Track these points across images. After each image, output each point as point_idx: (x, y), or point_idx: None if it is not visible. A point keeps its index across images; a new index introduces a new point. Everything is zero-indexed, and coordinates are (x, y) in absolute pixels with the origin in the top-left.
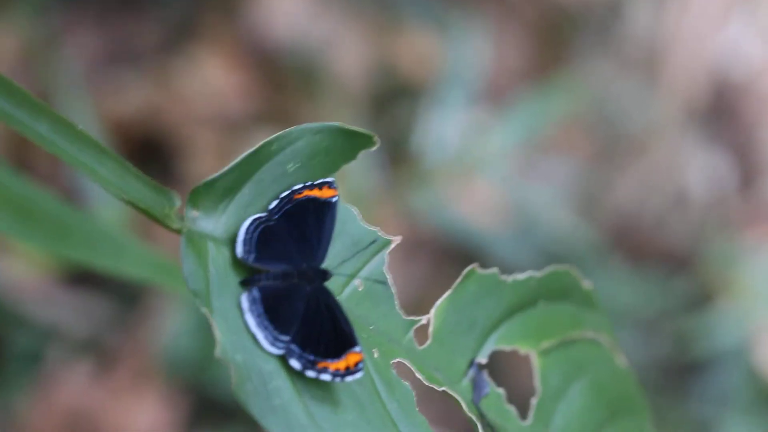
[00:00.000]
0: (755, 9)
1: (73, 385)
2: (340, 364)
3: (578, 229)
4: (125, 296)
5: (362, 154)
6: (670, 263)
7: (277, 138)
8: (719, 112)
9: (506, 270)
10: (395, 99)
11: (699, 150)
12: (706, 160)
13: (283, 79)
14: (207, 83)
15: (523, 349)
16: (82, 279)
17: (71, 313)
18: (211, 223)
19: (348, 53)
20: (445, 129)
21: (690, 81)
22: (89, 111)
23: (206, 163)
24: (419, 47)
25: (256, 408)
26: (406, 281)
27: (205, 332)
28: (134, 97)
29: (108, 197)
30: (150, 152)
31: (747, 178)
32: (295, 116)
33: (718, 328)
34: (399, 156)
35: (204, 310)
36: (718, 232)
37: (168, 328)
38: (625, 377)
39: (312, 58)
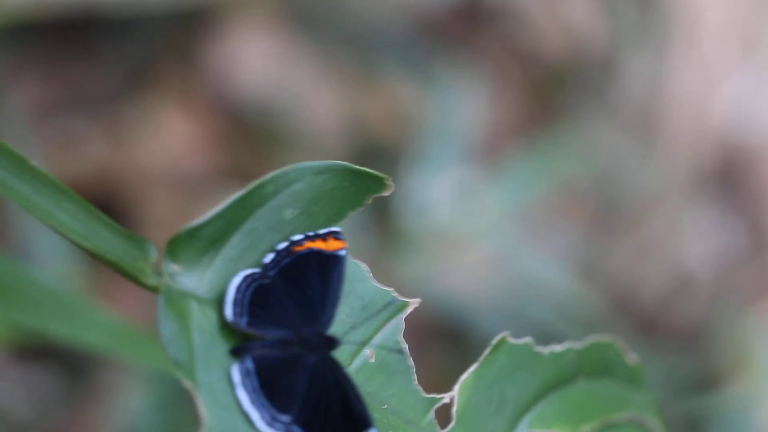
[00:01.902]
0: (763, 63)
1: None
2: None
3: (578, 301)
4: (75, 371)
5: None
6: (677, 340)
7: (271, 179)
8: (726, 176)
9: None
10: (375, 157)
11: (705, 218)
12: (713, 229)
13: (248, 135)
14: (164, 137)
15: None
16: (25, 352)
17: (13, 390)
18: (194, 279)
19: (321, 107)
20: (432, 191)
21: (693, 142)
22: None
23: (162, 224)
24: (401, 101)
25: None
26: None
27: (169, 412)
28: (85, 150)
29: (60, 258)
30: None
31: (758, 248)
32: (262, 176)
33: (729, 414)
34: (380, 220)
35: (187, 384)
36: (727, 307)
37: (126, 408)
38: None
39: (280, 112)
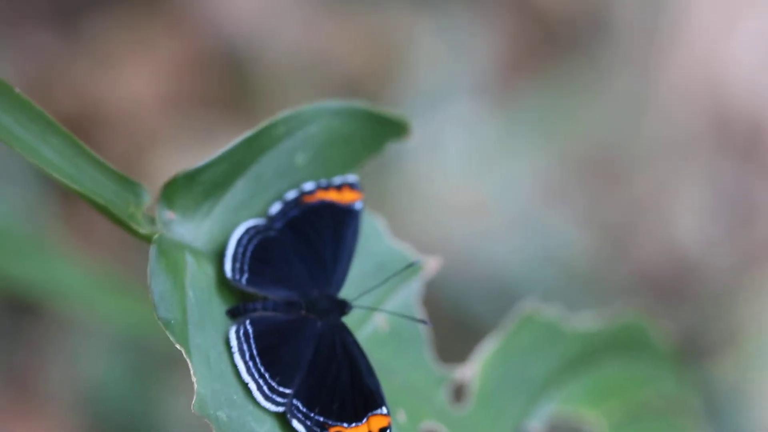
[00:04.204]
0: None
1: None
2: (360, 430)
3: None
4: (19, 315)
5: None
6: (672, 298)
7: (283, 119)
8: (728, 135)
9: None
10: (354, 93)
11: (707, 180)
12: (716, 192)
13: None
14: (122, 75)
15: (585, 414)
16: None
17: None
18: (191, 229)
19: (291, 38)
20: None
21: (691, 99)
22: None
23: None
24: (386, 33)
25: None
26: None
27: (141, 377)
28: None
29: (26, 185)
30: None
31: (756, 214)
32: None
33: (717, 385)
34: (381, 164)
35: (178, 346)
36: (725, 272)
37: (86, 368)
38: None
39: (250, 54)
